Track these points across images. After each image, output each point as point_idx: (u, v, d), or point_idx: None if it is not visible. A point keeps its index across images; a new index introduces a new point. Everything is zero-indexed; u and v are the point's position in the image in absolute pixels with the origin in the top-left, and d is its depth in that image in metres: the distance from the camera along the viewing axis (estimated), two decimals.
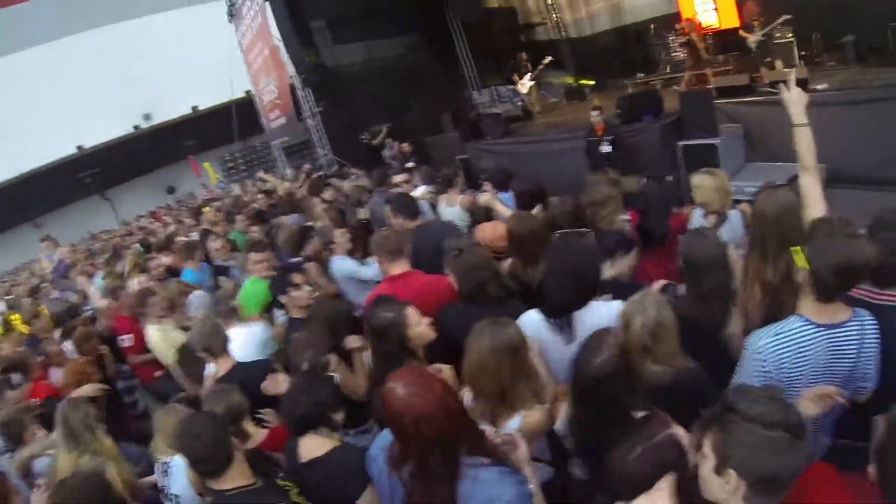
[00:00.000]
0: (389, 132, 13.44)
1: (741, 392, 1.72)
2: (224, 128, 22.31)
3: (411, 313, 3.03)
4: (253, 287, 5.23)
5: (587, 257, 3.05)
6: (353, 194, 7.97)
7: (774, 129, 8.87)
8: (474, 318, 2.74)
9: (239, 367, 3.82)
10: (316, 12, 14.28)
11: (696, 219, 4.36)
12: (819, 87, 9.37)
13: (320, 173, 12.88)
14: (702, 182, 4.25)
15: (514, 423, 2.51)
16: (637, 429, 2.04)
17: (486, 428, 2.35)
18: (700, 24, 14.50)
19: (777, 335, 2.33)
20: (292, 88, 15.27)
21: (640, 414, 2.18)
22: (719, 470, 1.65)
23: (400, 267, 3.97)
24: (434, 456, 2.10)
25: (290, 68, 14.68)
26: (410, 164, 10.70)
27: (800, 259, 2.28)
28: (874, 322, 2.36)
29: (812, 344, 2.30)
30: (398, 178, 8.41)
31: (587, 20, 18.21)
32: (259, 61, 17.34)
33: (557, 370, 2.86)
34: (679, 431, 1.99)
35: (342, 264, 5.40)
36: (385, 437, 2.40)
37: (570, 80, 16.19)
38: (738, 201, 4.43)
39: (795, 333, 2.30)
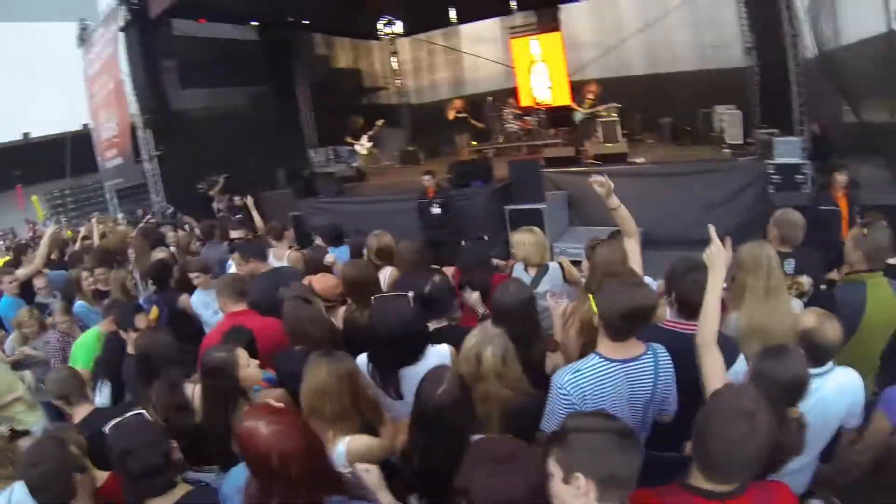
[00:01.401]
0: (225, 184, 12.80)
1: (572, 416, 1.99)
2: (56, 161, 20.21)
3: (242, 354, 3.10)
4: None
5: (407, 321, 3.11)
6: (184, 242, 8.00)
7: (595, 197, 9.08)
8: (305, 359, 2.83)
9: (99, 413, 3.56)
10: (168, 51, 13.50)
11: (518, 272, 4.68)
12: (638, 160, 10.47)
13: (154, 220, 12.24)
14: (522, 239, 4.64)
15: (341, 448, 2.55)
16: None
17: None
18: (535, 100, 15.64)
19: (577, 372, 2.61)
20: (133, 128, 14.16)
21: (475, 437, 2.32)
22: (567, 478, 1.79)
23: (239, 306, 4.28)
24: (299, 495, 2.08)
25: (135, 107, 13.63)
26: (240, 217, 10.42)
27: (592, 306, 2.67)
28: (667, 354, 2.70)
29: (609, 377, 2.61)
30: (234, 234, 8.13)
31: (429, 88, 19.01)
32: (102, 94, 15.91)
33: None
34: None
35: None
36: (238, 477, 2.34)
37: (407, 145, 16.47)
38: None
39: (593, 369, 2.61)
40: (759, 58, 12.96)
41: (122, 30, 13.12)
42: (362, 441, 2.60)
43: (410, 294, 3.24)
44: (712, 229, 2.74)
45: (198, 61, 14.14)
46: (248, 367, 3.13)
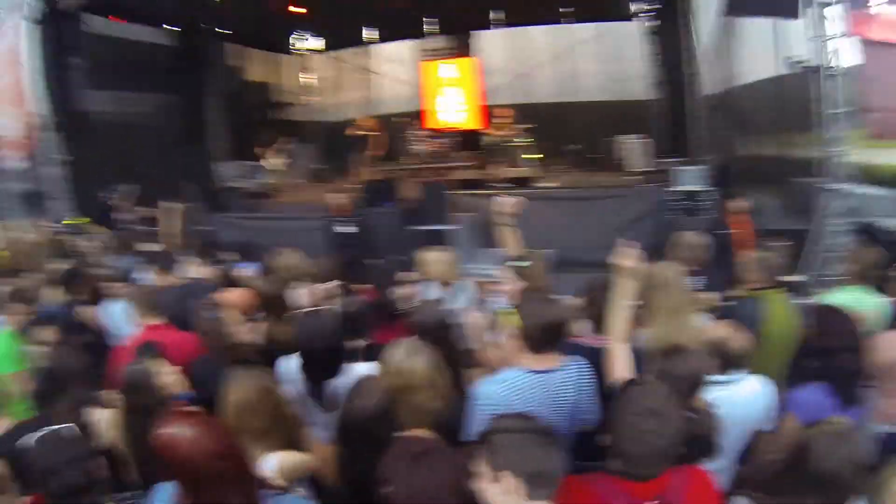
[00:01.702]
0: (133, 194, 12.10)
1: (496, 419, 2.06)
2: None
3: (161, 363, 3.05)
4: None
5: (330, 334, 3.17)
6: (94, 253, 7.51)
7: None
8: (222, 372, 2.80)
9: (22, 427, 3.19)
10: (75, 48, 12.34)
11: (433, 291, 4.77)
12: (549, 185, 10.43)
13: (57, 228, 11.20)
14: (435, 258, 4.85)
15: (270, 464, 2.42)
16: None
17: None
18: (440, 123, 15.99)
19: (502, 382, 2.73)
20: (35, 128, 13.09)
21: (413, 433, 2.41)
22: (495, 477, 1.85)
23: (156, 320, 4.17)
24: (234, 493, 2.00)
25: (35, 105, 12.55)
26: (149, 229, 9.81)
27: (514, 320, 2.78)
28: (588, 365, 2.82)
29: (530, 387, 2.71)
30: (143, 246, 7.79)
31: (336, 106, 18.75)
32: None
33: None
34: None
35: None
36: (163, 495, 2.18)
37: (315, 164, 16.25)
38: None
39: (516, 379, 2.72)
40: (662, 92, 13.63)
41: (26, 19, 12.08)
42: (293, 457, 2.52)
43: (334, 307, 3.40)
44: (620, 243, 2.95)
45: (108, 62, 13.19)
46: (168, 374, 3.06)
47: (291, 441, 2.66)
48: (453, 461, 2.08)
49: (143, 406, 2.85)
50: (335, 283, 4.64)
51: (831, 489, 2.09)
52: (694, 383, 2.56)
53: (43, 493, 2.36)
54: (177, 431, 2.00)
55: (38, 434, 2.40)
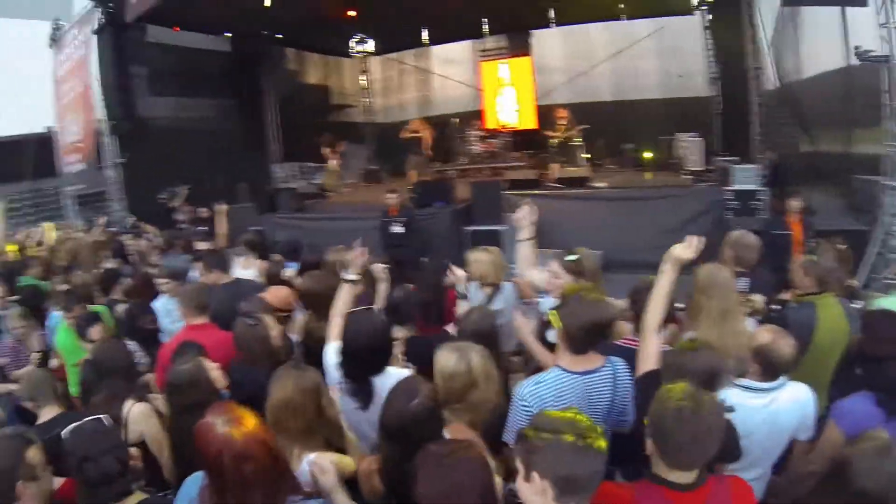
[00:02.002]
0: (188, 195, 12.56)
1: (538, 415, 1.98)
2: (15, 163, 19.61)
3: (204, 359, 3.13)
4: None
5: (378, 332, 3.17)
6: (144, 251, 8.02)
7: (554, 220, 9.66)
8: (253, 377, 3.01)
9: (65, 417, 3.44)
10: (139, 58, 13.06)
11: (473, 290, 4.66)
12: (599, 184, 10.64)
13: (114, 229, 11.82)
14: (478, 257, 4.70)
15: (305, 466, 2.52)
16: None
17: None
18: (500, 123, 15.87)
19: (538, 383, 2.73)
20: (97, 134, 13.77)
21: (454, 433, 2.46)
22: (527, 476, 1.84)
23: (200, 319, 4.26)
24: (254, 497, 2.03)
25: (101, 112, 13.20)
26: (204, 229, 10.35)
27: (555, 321, 2.73)
28: (626, 366, 2.81)
29: (569, 388, 2.70)
30: (198, 245, 8.14)
31: (396, 108, 18.90)
32: (69, 97, 15.24)
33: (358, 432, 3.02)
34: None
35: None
36: (191, 487, 2.28)
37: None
38: None
39: (554, 380, 2.71)
40: (722, 88, 13.34)
41: (95, 32, 12.70)
42: (330, 457, 2.55)
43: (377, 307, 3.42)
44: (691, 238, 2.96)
45: (168, 70, 13.80)
46: (213, 370, 3.14)
47: (332, 442, 2.72)
48: (483, 461, 2.03)
49: (189, 405, 2.94)
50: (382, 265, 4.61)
51: None
52: (708, 380, 2.46)
53: (76, 478, 2.45)
54: (213, 423, 2.04)
55: (76, 424, 2.50)
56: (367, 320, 3.18)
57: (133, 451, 2.72)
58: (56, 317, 5.61)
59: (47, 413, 3.51)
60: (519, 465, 1.90)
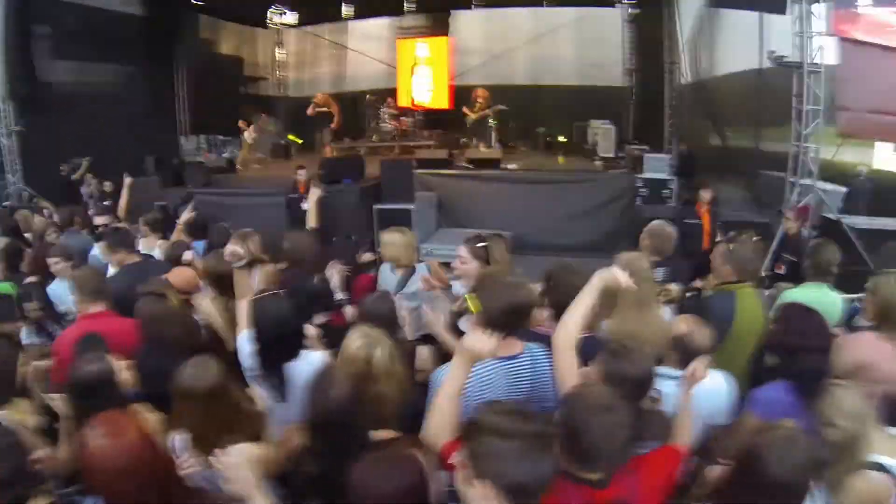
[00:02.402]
0: (90, 167, 11.69)
1: (485, 406, 1.83)
2: None
3: (113, 360, 2.80)
4: None
5: (287, 318, 3.06)
6: (39, 228, 7.16)
7: (464, 199, 10.10)
8: (163, 364, 2.76)
9: None
10: (42, 16, 11.89)
11: (385, 272, 4.64)
12: (510, 166, 10.83)
13: (7, 203, 11.00)
14: (391, 239, 4.57)
15: (229, 458, 2.28)
16: (378, 449, 2.10)
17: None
18: (414, 101, 15.75)
19: None
20: None
21: (380, 435, 2.36)
22: (473, 481, 1.69)
23: (97, 306, 3.80)
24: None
25: None
26: (107, 203, 9.64)
27: (473, 305, 2.58)
28: (546, 352, 2.66)
29: (491, 373, 2.58)
30: (99, 220, 7.49)
31: (308, 82, 18.40)
32: None
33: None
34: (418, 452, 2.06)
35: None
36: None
37: (287, 136, 15.95)
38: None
39: (476, 367, 2.45)
40: (638, 79, 13.66)
41: None
42: (254, 451, 2.38)
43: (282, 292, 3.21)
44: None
45: (73, 31, 12.48)
46: (123, 372, 2.82)
47: (252, 433, 2.56)
48: (419, 466, 1.92)
49: (98, 408, 2.55)
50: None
51: (782, 495, 2.04)
52: (642, 385, 2.47)
53: None
54: (85, 445, 1.93)
55: None
56: (275, 306, 3.05)
57: (41, 453, 2.53)
58: None
59: None
60: (460, 467, 1.75)
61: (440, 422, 2.23)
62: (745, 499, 2.11)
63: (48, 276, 5.10)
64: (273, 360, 2.94)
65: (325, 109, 13.54)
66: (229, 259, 3.40)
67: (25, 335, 4.79)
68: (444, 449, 2.12)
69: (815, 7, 7.49)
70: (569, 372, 2.49)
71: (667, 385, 2.70)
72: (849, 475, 2.29)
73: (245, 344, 3.05)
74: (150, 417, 2.69)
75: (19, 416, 2.91)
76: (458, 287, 4.00)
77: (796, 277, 5.40)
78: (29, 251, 5.82)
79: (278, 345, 2.95)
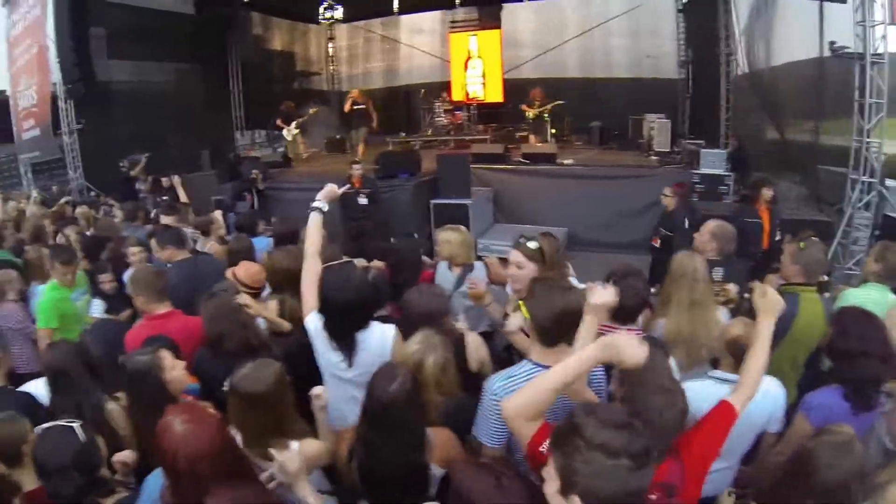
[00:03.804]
0: (148, 163, 12.06)
1: (588, 414, 1.70)
2: None
3: (165, 356, 2.92)
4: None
5: (362, 286, 3.11)
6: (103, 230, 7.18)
7: (521, 195, 10.13)
8: (222, 365, 2.88)
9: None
10: (99, 18, 12.36)
11: (443, 270, 4.65)
12: (566, 161, 10.72)
13: (69, 199, 11.00)
14: (448, 237, 4.59)
15: (284, 455, 2.38)
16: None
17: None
18: (468, 95, 15.72)
19: (509, 377, 2.53)
20: (54, 98, 13.05)
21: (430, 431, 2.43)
22: (564, 493, 1.64)
23: (162, 307, 3.88)
24: (211, 495, 1.95)
25: (57, 75, 12.41)
26: (165, 199, 9.79)
27: (524, 312, 2.56)
28: None
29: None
30: (166, 220, 7.37)
31: (361, 76, 18.64)
32: (24, 60, 14.40)
33: (340, 394, 3.01)
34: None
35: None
36: (153, 485, 2.27)
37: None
38: (479, 257, 4.92)
39: (525, 374, 2.50)
40: (692, 71, 13.43)
41: None
42: (312, 445, 2.53)
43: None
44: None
45: (128, 31, 12.99)
46: (174, 370, 2.91)
47: (303, 431, 2.63)
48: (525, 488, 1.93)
49: (149, 397, 2.78)
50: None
51: (833, 499, 2.10)
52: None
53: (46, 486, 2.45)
54: (170, 422, 2.00)
55: (44, 428, 2.50)
56: (347, 273, 3.13)
57: (125, 455, 2.66)
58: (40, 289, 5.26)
59: None
60: (555, 473, 1.68)
61: (529, 406, 2.11)
62: (795, 501, 2.19)
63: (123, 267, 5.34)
64: (344, 330, 3.00)
65: (362, 107, 13.39)
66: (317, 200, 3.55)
67: (95, 308, 5.13)
68: (533, 440, 2.08)
69: None
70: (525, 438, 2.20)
71: (722, 389, 2.62)
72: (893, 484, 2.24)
73: (314, 322, 3.07)
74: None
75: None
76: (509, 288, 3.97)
77: (670, 251, 5.72)
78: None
79: (349, 313, 2.99)
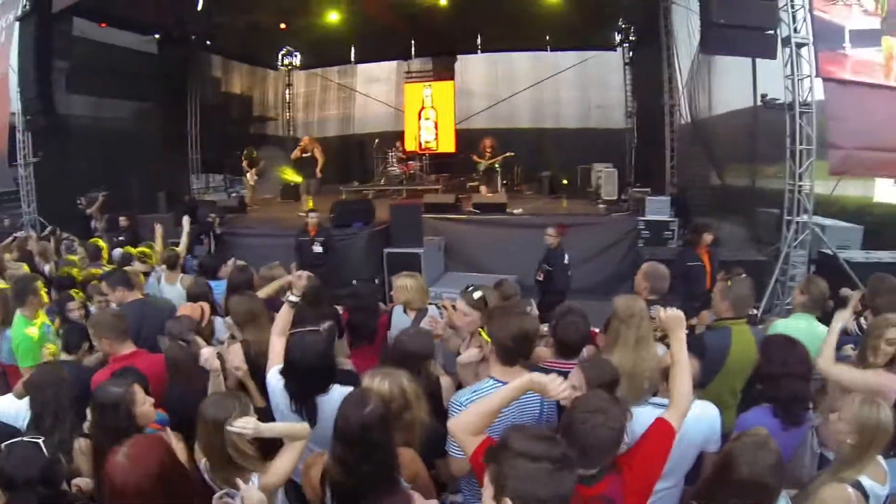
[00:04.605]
0: (105, 201, 11.92)
1: (515, 430, 1.97)
2: None
3: (137, 390, 2.96)
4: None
5: (323, 352, 3.23)
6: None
7: (472, 244, 10.33)
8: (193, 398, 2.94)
9: None
10: (62, 51, 12.06)
11: (398, 314, 4.85)
12: (516, 211, 10.96)
13: (19, 233, 10.99)
14: (404, 283, 4.84)
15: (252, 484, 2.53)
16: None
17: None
18: (421, 145, 15.99)
19: (474, 392, 2.88)
20: (11, 129, 12.83)
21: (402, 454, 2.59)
22: (497, 498, 1.82)
23: (126, 347, 3.95)
24: None
25: (17, 105, 12.24)
26: (121, 239, 9.74)
27: (484, 335, 2.98)
28: None
29: None
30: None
31: (316, 123, 18.83)
32: None
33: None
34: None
35: None
36: None
37: (287, 175, 15.71)
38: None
39: (487, 390, 2.81)
40: (638, 122, 13.91)
41: (18, 19, 11.90)
42: (274, 470, 2.59)
43: (325, 325, 3.51)
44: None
45: (91, 66, 12.91)
46: (144, 405, 2.95)
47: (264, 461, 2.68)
48: None
49: (116, 430, 2.75)
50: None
51: (754, 493, 2.32)
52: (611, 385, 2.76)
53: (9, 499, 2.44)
54: (113, 459, 2.02)
55: (10, 442, 2.51)
56: (312, 341, 3.21)
57: (83, 481, 2.73)
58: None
59: None
60: (489, 481, 1.88)
61: (472, 423, 2.42)
62: (721, 498, 2.37)
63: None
64: (306, 393, 3.11)
65: (308, 154, 13.46)
66: (289, 293, 3.62)
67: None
68: (475, 452, 2.31)
69: (803, 50, 7.76)
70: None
71: (659, 412, 2.80)
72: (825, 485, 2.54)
73: (275, 379, 3.22)
74: (176, 443, 2.89)
75: None
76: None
77: (551, 283, 7.33)
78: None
79: (311, 378, 3.12)
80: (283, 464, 2.60)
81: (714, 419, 3.03)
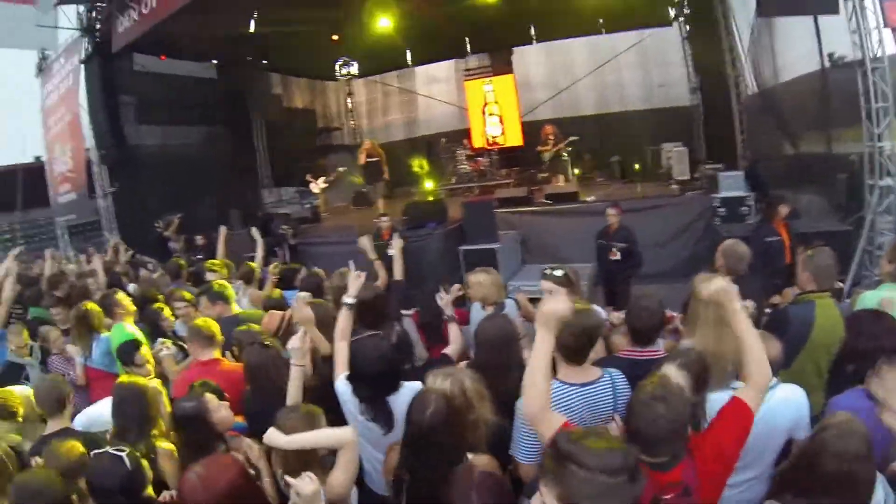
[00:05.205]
0: (181, 223, 12.54)
1: (573, 440, 1.77)
2: (6, 194, 19.39)
3: (210, 399, 3.12)
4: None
5: (386, 356, 3.25)
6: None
7: (547, 235, 10.34)
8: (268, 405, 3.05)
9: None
10: (128, 86, 13.12)
11: (476, 311, 4.83)
12: (589, 199, 10.90)
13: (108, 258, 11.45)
14: (478, 279, 4.80)
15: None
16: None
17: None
18: (488, 141, 16.07)
19: None
20: (88, 163, 13.76)
21: (470, 456, 2.57)
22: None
23: (209, 353, 4.17)
24: None
25: (90, 141, 13.20)
26: (199, 257, 10.17)
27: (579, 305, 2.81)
28: (623, 378, 2.91)
29: (569, 399, 2.78)
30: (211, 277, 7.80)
31: (382, 129, 19.07)
32: (58, 127, 15.07)
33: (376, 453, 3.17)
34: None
35: None
36: None
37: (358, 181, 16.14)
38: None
39: (555, 392, 2.65)
40: (703, 97, 13.62)
41: (82, 62, 12.79)
42: (332, 482, 2.57)
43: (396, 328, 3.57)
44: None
45: (156, 98, 13.80)
46: (220, 411, 3.13)
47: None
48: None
49: (198, 440, 2.99)
50: None
51: (844, 486, 2.19)
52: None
53: None
54: (190, 476, 2.14)
55: (97, 453, 2.63)
56: (374, 346, 3.25)
57: (166, 495, 2.80)
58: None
59: (53, 425, 3.57)
60: (547, 494, 1.75)
61: (535, 395, 2.29)
62: (806, 485, 2.28)
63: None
64: (375, 396, 3.15)
65: (375, 159, 13.54)
66: (345, 295, 3.63)
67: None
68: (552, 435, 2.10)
69: (867, 0, 7.26)
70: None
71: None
72: None
73: (343, 386, 3.26)
74: (255, 450, 2.98)
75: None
76: None
77: (631, 258, 7.41)
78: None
79: (378, 381, 3.16)
80: (339, 474, 2.58)
81: (802, 403, 2.90)
